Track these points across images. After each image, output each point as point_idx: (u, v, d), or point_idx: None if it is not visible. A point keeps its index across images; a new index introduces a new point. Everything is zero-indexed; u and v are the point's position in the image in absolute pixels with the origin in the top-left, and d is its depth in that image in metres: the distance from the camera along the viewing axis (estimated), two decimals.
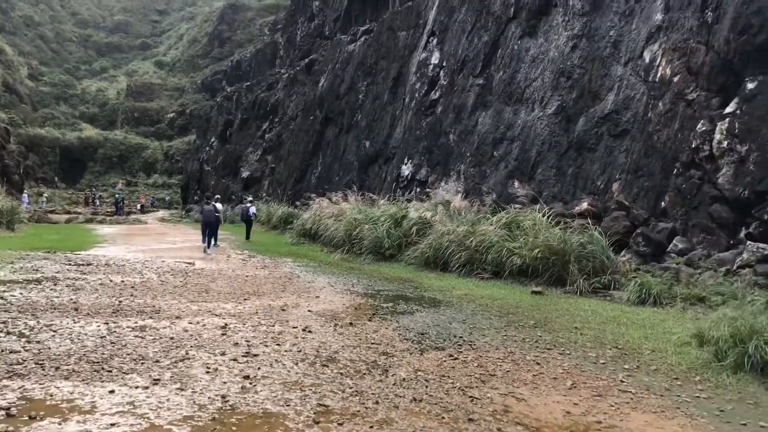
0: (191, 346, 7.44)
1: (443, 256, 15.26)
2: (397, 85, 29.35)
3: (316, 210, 23.09)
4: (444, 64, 26.48)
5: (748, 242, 12.56)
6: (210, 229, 20.60)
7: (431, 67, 27.14)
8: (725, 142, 13.69)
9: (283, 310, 9.85)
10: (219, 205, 22.79)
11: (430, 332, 8.44)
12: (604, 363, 7.02)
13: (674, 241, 14.11)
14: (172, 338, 7.82)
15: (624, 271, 13.51)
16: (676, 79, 15.97)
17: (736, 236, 13.35)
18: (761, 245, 12.23)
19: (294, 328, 8.52)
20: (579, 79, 19.45)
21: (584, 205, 16.52)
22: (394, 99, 29.31)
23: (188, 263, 16.10)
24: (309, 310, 9.87)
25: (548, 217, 15.12)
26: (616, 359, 7.20)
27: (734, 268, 12.30)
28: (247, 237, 25.61)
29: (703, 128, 14.35)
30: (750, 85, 13.52)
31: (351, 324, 8.85)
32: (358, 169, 30.64)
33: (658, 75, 16.65)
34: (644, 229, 14.40)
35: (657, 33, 17.05)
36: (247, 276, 13.89)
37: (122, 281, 12.54)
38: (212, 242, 21.11)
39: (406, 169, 26.78)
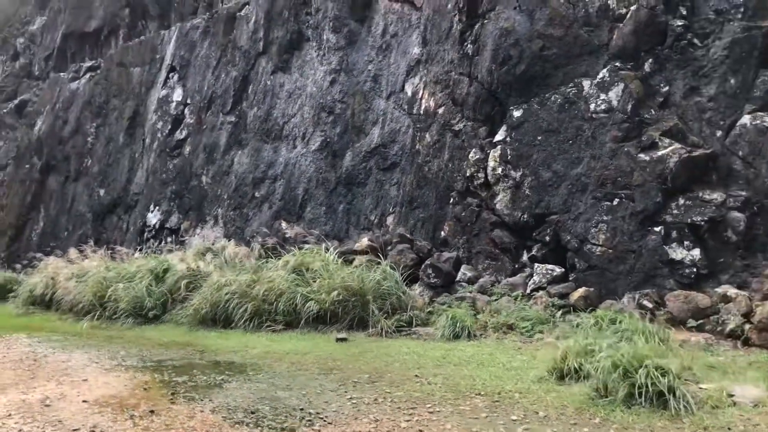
0: None
1: (224, 310, 13.38)
2: (134, 125, 26.48)
3: (49, 271, 19.40)
4: (188, 101, 24.48)
5: (536, 264, 12.82)
6: None
7: (174, 104, 24.94)
8: (499, 169, 14.00)
9: (47, 405, 7.35)
10: None
11: (262, 408, 6.76)
12: (487, 417, 6.05)
13: (462, 270, 14.00)
14: None
15: (420, 305, 12.98)
16: (441, 110, 16.20)
17: (519, 260, 13.63)
18: (549, 266, 12.54)
19: (76, 430, 6.25)
20: (341, 113, 19.00)
21: (365, 241, 15.85)
22: (132, 141, 26.39)
23: None
24: (84, 401, 7.50)
25: (334, 257, 14.18)
26: (494, 409, 6.29)
27: (528, 291, 12.44)
28: None
29: (476, 156, 14.58)
30: (516, 113, 14.04)
31: (153, 412, 6.80)
32: (93, 221, 26.91)
33: (422, 107, 16.79)
34: (432, 260, 14.10)
35: (417, 66, 17.26)
36: None
37: None
38: None
39: (154, 217, 24.04)
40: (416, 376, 8.01)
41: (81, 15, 34.67)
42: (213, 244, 18.92)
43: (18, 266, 26.75)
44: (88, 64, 30.60)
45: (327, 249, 14.57)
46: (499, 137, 14.31)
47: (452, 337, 10.59)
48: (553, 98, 13.56)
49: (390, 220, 17.12)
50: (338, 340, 11.30)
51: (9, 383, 8.81)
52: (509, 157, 13.89)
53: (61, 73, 32.36)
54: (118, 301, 15.34)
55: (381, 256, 14.65)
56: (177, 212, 23.41)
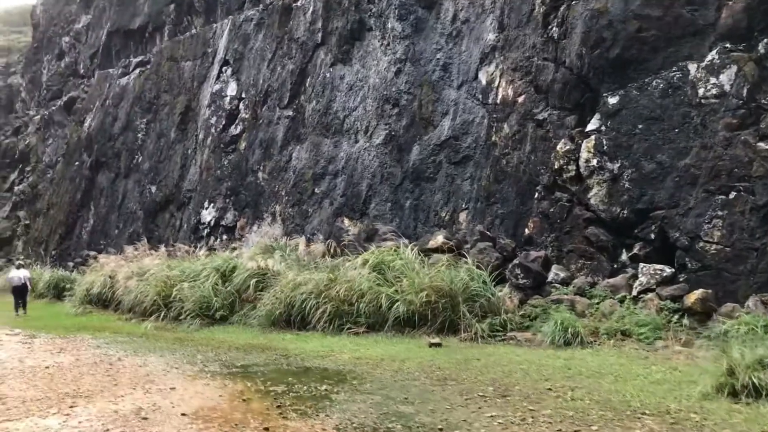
0: None
1: (300, 311, 12.58)
2: (185, 120, 25.93)
3: (107, 270, 18.84)
4: (243, 95, 23.81)
5: (641, 265, 11.72)
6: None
7: (228, 99, 24.28)
8: (594, 161, 12.95)
9: (144, 417, 6.57)
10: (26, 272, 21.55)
11: (394, 427, 5.87)
12: None
13: (553, 270, 12.96)
14: None
15: (511, 308, 12.01)
16: (520, 99, 15.20)
17: (617, 259, 12.57)
18: (657, 267, 11.44)
19: None
20: (408, 105, 18.08)
21: (440, 238, 14.89)
22: (184, 136, 25.84)
23: None
24: (183, 414, 6.70)
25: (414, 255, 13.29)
26: None
27: (634, 293, 11.35)
28: (23, 309, 20.03)
29: (566, 148, 13.55)
30: (611, 100, 12.97)
31: (268, 430, 5.96)
32: (144, 219, 26.45)
33: (499, 96, 15.80)
34: (521, 259, 13.08)
35: (492, 53, 16.25)
36: (47, 367, 9.95)
37: None
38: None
39: (208, 215, 23.42)
40: (549, 389, 7.06)
41: (126, 12, 34.35)
42: (275, 241, 18.18)
43: (71, 264, 26.40)
44: (138, 59, 30.17)
45: (404, 246, 13.66)
46: (592, 126, 13.25)
47: (563, 344, 9.59)
48: (654, 83, 12.46)
49: (463, 216, 16.16)
50: (432, 345, 10.40)
51: (93, 390, 8.06)
52: (605, 147, 12.83)
53: (110, 69, 32.02)
54: (183, 301, 14.64)
55: (456, 254, 13.71)
56: (233, 209, 22.74)
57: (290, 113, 21.79)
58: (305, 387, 7.82)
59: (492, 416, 6.09)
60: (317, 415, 6.42)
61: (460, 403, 6.65)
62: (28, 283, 20.58)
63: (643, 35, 12.76)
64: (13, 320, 18.20)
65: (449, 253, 13.97)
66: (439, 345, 10.36)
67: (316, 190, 20.13)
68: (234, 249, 17.75)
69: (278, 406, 6.88)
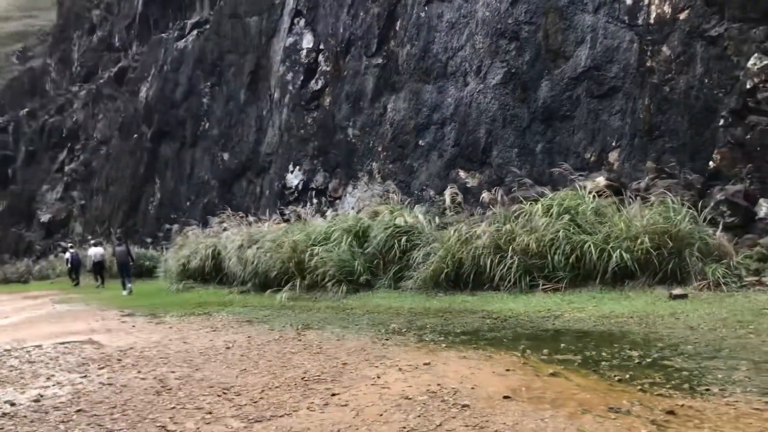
0: None
1: (473, 268, 10.90)
2: (256, 80, 24.17)
3: (209, 241, 17.25)
4: (321, 46, 21.95)
5: None
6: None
7: (304, 52, 22.44)
8: None
9: (465, 405, 4.87)
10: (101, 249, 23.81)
11: None
12: None
13: (764, 205, 11.14)
14: None
15: (731, 251, 10.24)
16: (683, 15, 13.23)
17: None
18: None
19: None
20: (530, 37, 16.14)
21: (600, 180, 13.14)
22: (256, 97, 24.09)
23: (91, 343, 9.84)
24: (506, 396, 5.04)
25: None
26: None
27: None
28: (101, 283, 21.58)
29: (762, 63, 11.61)
30: None
31: (673, 413, 4.28)
32: (219, 188, 24.89)
33: (653, 15, 13.82)
34: (726, 194, 11.26)
35: None
36: (227, 348, 8.32)
37: (35, 400, 6.34)
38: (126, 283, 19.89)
39: (295, 178, 21.76)
40: None
41: None
42: (382, 200, 16.49)
43: (149, 240, 25.00)
44: (194, 20, 28.29)
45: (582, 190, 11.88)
46: None
47: None
48: None
49: (614, 156, 14.29)
50: (674, 296, 8.70)
51: (328, 372, 6.43)
52: None
53: (163, 34, 30.21)
54: (317, 268, 13.03)
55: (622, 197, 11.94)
56: (322, 170, 21.06)
57: (380, 61, 19.94)
58: (603, 354, 6.17)
59: None
60: (708, 391, 4.74)
61: None
62: (103, 260, 23.20)
63: None
64: (116, 300, 16.78)
65: (614, 195, 12.25)
66: (684, 296, 8.67)
67: (421, 143, 18.36)
68: (326, 212, 16.13)
69: (620, 380, 5.22)
